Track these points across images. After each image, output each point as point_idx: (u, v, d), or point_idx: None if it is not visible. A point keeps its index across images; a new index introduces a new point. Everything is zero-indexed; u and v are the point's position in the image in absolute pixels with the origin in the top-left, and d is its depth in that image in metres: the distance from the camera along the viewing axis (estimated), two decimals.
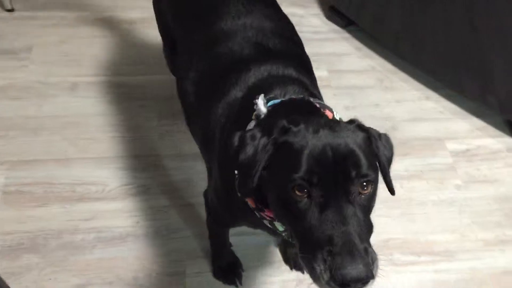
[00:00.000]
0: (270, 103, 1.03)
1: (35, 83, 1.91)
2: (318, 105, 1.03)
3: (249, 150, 0.89)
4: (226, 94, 1.14)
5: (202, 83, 1.24)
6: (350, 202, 0.82)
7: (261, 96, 1.01)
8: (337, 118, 1.04)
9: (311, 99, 1.05)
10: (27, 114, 1.81)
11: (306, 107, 1.02)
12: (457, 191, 1.74)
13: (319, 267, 0.79)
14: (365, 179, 0.84)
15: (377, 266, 0.81)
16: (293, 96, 1.06)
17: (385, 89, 2.04)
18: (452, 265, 1.55)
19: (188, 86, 1.27)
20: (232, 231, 1.55)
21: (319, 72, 2.03)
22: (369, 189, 0.85)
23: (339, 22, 2.25)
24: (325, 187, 0.82)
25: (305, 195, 0.83)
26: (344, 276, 0.76)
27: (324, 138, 0.85)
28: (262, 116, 1.00)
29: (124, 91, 1.92)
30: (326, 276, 0.78)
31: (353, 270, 0.76)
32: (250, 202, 0.99)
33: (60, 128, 1.79)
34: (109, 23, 2.15)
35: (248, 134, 0.90)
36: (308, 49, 2.06)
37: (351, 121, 0.93)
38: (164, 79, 1.96)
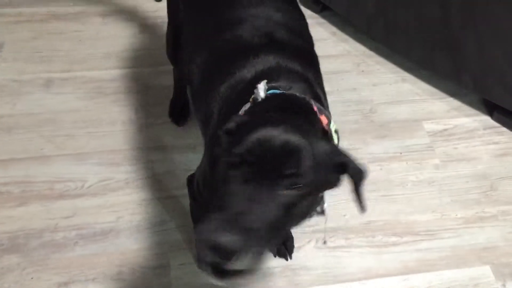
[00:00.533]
0: (270, 91, 1.03)
1: (8, 81, 1.87)
2: (316, 109, 1.01)
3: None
4: (232, 76, 1.14)
5: (208, 65, 1.24)
6: (270, 191, 0.82)
7: (264, 82, 1.02)
8: (332, 128, 1.02)
9: (312, 102, 1.03)
10: (1, 113, 1.78)
11: (303, 108, 1.00)
12: (436, 170, 1.76)
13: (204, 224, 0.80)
14: (296, 180, 0.83)
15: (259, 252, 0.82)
16: (296, 93, 1.05)
17: (362, 73, 2.04)
18: (434, 244, 1.58)
19: (194, 68, 1.28)
20: None
21: None
22: (299, 191, 0.84)
23: (314, 7, 2.24)
24: (256, 169, 0.82)
25: (236, 171, 0.84)
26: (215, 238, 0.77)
27: (279, 128, 0.86)
28: (259, 100, 1.01)
29: (98, 85, 1.89)
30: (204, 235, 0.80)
31: (220, 236, 0.76)
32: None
33: (35, 125, 1.76)
34: (81, 17, 2.12)
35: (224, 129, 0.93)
36: None
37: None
38: (137, 72, 1.94)
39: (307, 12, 2.23)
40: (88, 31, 2.08)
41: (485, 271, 1.54)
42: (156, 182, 1.65)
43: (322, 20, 2.22)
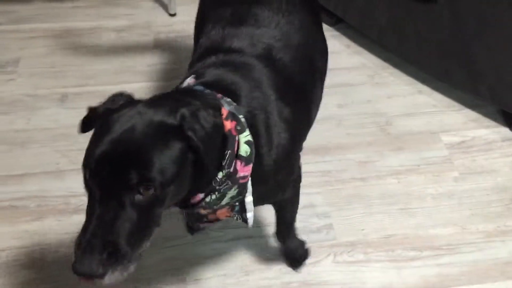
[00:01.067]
0: (196, 86, 1.01)
1: (23, 96, 1.88)
2: (224, 110, 0.93)
3: None
4: (202, 56, 1.15)
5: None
6: (120, 203, 0.81)
7: (192, 76, 1.04)
8: (243, 138, 0.94)
9: (223, 102, 0.96)
10: (16, 128, 1.79)
11: (200, 100, 0.93)
12: (455, 183, 1.73)
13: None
14: (147, 184, 0.80)
15: (123, 267, 0.83)
16: (210, 92, 0.98)
17: (376, 85, 2.03)
18: (455, 258, 1.54)
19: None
20: (228, 236, 1.54)
21: None
22: (151, 192, 0.81)
23: (328, 20, 2.24)
24: (97, 184, 0.82)
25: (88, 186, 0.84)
26: (74, 269, 0.81)
27: (113, 132, 0.83)
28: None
29: None
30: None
31: (80, 265, 0.80)
32: None
33: (50, 140, 1.76)
34: (95, 33, 2.13)
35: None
36: None
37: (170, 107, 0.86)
38: (151, 86, 1.94)
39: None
40: (102, 46, 2.09)
41: (508, 286, 1.49)
42: None
43: (336, 33, 2.22)
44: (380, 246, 1.56)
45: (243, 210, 1.03)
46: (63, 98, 1.89)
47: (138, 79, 1.97)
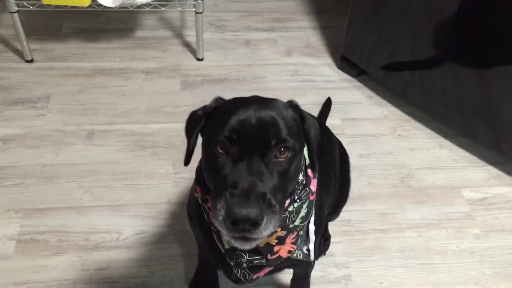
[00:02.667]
0: None
1: (52, 131, 1.93)
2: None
3: (190, 124, 1.06)
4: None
5: None
6: (263, 162, 0.91)
7: None
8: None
9: None
10: (44, 162, 1.82)
11: None
12: (477, 240, 1.71)
13: (220, 204, 0.88)
14: (282, 145, 0.92)
15: (274, 216, 0.89)
16: None
17: (399, 137, 2.04)
18: None
19: None
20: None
21: (333, 120, 2.05)
22: (286, 155, 0.93)
23: (351, 71, 2.29)
24: (243, 146, 0.91)
25: (225, 152, 0.93)
26: (235, 213, 0.84)
27: (252, 108, 0.95)
28: None
29: (138, 139, 1.93)
30: (222, 212, 0.87)
31: (244, 209, 0.84)
32: (198, 191, 1.09)
33: (75, 176, 1.79)
34: (125, 73, 2.20)
35: (196, 112, 1.05)
36: (321, 98, 2.11)
37: (289, 101, 1.03)
38: (176, 127, 1.98)
39: (343, 76, 2.29)
40: (131, 86, 2.15)
41: None
42: (190, 238, 1.64)
43: (359, 84, 2.26)
44: None
45: (306, 239, 1.12)
46: (90, 135, 1.94)
47: (164, 119, 2.01)
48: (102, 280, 1.52)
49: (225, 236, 0.90)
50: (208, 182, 1.00)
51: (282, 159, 0.92)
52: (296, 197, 1.06)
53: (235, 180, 0.88)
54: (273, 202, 0.89)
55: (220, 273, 1.53)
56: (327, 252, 1.63)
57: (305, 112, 1.04)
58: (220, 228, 0.89)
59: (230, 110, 0.96)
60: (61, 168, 1.81)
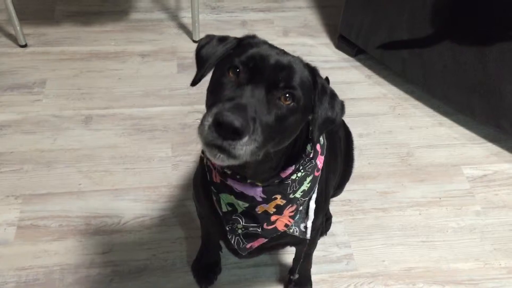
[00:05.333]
0: None
1: (49, 116, 1.91)
2: None
3: (211, 47, 1.00)
4: None
5: None
6: (266, 96, 0.89)
7: None
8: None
9: None
10: (42, 148, 1.81)
11: None
12: (477, 217, 1.71)
13: (210, 112, 0.84)
14: (290, 91, 0.90)
15: (254, 141, 0.85)
16: None
17: (398, 116, 2.03)
18: None
19: None
20: (247, 262, 1.52)
21: None
22: (289, 102, 0.90)
23: (349, 51, 2.27)
24: (254, 75, 0.89)
25: (235, 76, 0.91)
26: (222, 116, 0.80)
27: (275, 51, 0.95)
28: None
29: (136, 123, 1.92)
30: (210, 120, 0.83)
31: (232, 115, 0.80)
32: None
33: (74, 161, 1.78)
34: (121, 57, 2.17)
35: (218, 37, 1.02)
36: None
37: (310, 66, 1.00)
38: (174, 110, 1.97)
39: (342, 55, 2.27)
40: (128, 70, 2.12)
41: None
42: (191, 220, 1.64)
43: (357, 63, 2.24)
44: (401, 278, 1.54)
45: (305, 216, 1.11)
46: (88, 120, 1.92)
47: (161, 103, 1.99)
48: (104, 264, 1.52)
49: (202, 145, 0.86)
50: (207, 105, 0.97)
51: (284, 105, 0.90)
52: (301, 167, 1.05)
53: (233, 96, 0.87)
54: (260, 132, 0.85)
55: (222, 255, 1.54)
56: (328, 232, 1.63)
57: (325, 83, 1.00)
58: (200, 135, 0.85)
59: (256, 44, 0.96)
60: (59, 153, 1.80)
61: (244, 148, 0.83)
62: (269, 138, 0.89)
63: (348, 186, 1.69)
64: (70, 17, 2.32)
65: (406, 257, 1.60)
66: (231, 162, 0.86)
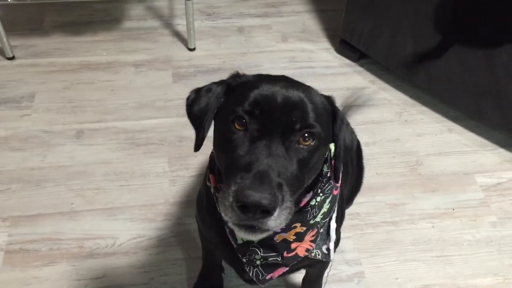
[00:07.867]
0: None
1: (38, 132, 1.82)
2: None
3: (203, 101, 0.92)
4: None
5: None
6: (284, 146, 0.81)
7: None
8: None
9: None
10: (31, 166, 1.71)
11: None
12: (493, 228, 1.62)
13: (229, 189, 0.77)
14: (308, 130, 0.83)
15: (286, 209, 0.78)
16: None
17: (405, 122, 1.94)
18: None
19: None
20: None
21: None
22: (309, 142, 0.83)
23: (351, 55, 2.18)
24: (264, 124, 0.81)
25: (243, 129, 0.83)
26: (246, 196, 0.73)
27: (280, 87, 0.85)
28: None
29: (130, 136, 1.82)
30: (230, 198, 0.76)
31: (256, 194, 0.73)
32: (212, 180, 0.98)
33: (65, 178, 1.68)
34: (113, 67, 2.08)
35: (205, 88, 0.93)
36: (321, 84, 2.01)
37: (325, 96, 0.93)
38: (170, 122, 1.87)
39: (343, 61, 2.18)
40: (120, 81, 2.03)
41: None
42: (191, 239, 1.55)
43: (360, 69, 2.15)
44: None
45: (326, 238, 1.03)
46: (79, 134, 1.82)
47: (156, 114, 1.90)
48: None
49: (230, 224, 0.79)
50: (220, 165, 0.89)
51: (305, 147, 0.83)
52: (319, 191, 0.97)
53: (250, 161, 0.78)
54: (288, 194, 0.79)
55: (225, 277, 1.44)
56: (337, 249, 1.53)
57: (340, 111, 0.93)
58: (224, 214, 0.78)
59: (253, 85, 0.86)
60: (50, 171, 1.70)
61: (278, 219, 0.77)
62: (298, 186, 0.83)
63: (355, 199, 1.60)
64: (60, 27, 2.23)
65: (420, 274, 1.50)
66: (265, 234, 0.80)
